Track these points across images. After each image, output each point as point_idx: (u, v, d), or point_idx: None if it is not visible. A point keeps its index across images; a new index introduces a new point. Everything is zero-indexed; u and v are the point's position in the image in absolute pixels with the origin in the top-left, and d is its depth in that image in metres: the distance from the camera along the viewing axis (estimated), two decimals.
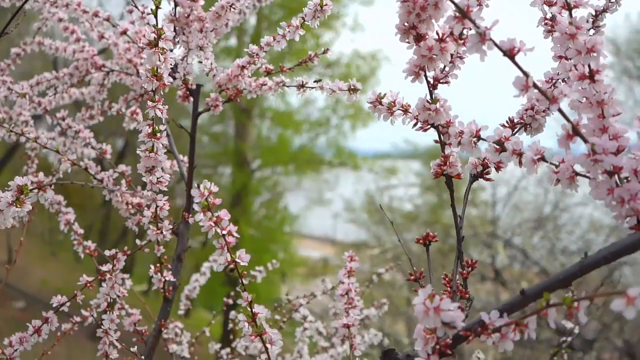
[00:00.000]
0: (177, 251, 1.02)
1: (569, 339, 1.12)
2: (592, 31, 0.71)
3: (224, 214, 0.62)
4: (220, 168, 11.93)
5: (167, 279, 0.97)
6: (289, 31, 0.88)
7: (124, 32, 1.06)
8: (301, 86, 0.95)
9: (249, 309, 0.64)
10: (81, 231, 1.09)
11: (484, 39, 0.50)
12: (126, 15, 1.14)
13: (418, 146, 10.94)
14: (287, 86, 0.96)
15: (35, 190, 0.66)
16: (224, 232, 0.62)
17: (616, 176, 0.52)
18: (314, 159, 11.98)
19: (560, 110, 0.51)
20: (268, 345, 0.64)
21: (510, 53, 0.50)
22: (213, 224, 0.61)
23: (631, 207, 0.50)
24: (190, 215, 0.96)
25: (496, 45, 0.50)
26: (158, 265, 0.95)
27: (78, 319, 1.12)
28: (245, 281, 0.64)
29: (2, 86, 1.12)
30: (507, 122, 0.69)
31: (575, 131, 0.51)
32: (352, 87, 0.84)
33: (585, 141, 0.51)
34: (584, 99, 0.54)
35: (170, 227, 0.90)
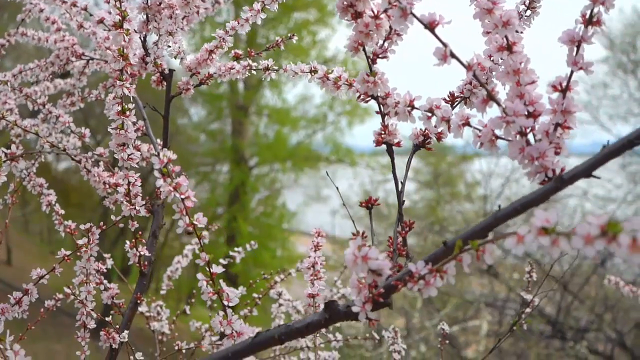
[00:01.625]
0: (152, 228, 1.07)
1: (528, 309, 1.18)
2: (528, 12, 0.77)
3: (183, 180, 0.67)
4: (218, 166, 11.98)
5: (142, 253, 1.02)
6: (251, 15, 0.94)
7: (101, 21, 1.10)
8: (266, 69, 1.00)
9: (207, 269, 0.70)
10: (62, 212, 1.14)
11: (405, 14, 0.55)
12: (104, 6, 1.19)
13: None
14: (255, 69, 1.02)
15: (8, 162, 0.71)
16: (183, 196, 0.67)
17: (531, 137, 0.58)
18: (311, 156, 12.03)
19: (475, 76, 0.56)
20: (225, 302, 0.69)
21: (430, 26, 0.56)
22: (172, 189, 0.67)
23: (540, 164, 0.55)
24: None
25: (417, 19, 0.55)
26: (134, 240, 1.01)
27: (60, 295, 1.17)
28: (202, 242, 0.69)
29: None
30: (447, 95, 0.74)
31: (490, 96, 0.56)
32: (313, 69, 0.89)
33: (499, 105, 0.56)
34: (502, 68, 0.59)
35: (143, 202, 0.95)
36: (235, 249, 1.49)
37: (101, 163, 1.09)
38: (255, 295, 1.35)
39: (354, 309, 0.60)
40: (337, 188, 0.89)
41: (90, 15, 1.12)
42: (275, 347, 1.34)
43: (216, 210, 11.32)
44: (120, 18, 0.75)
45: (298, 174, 12.19)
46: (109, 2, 1.10)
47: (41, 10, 1.26)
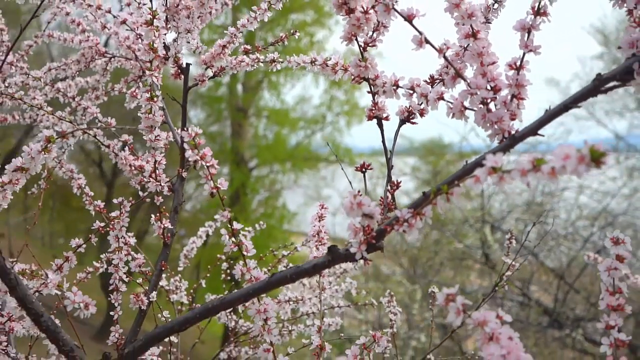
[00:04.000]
0: (174, 204, 1.21)
1: (508, 273, 1.31)
2: (496, 5, 0.90)
3: (208, 151, 0.81)
4: (218, 167, 12.11)
5: (165, 226, 1.16)
6: (259, 14, 1.08)
7: (124, 22, 1.24)
8: (273, 61, 1.14)
9: (228, 226, 0.83)
10: (91, 193, 1.28)
11: (388, 9, 0.69)
12: (124, 8, 1.33)
13: (413, 142, 11.12)
14: (262, 62, 1.15)
15: (60, 139, 0.85)
16: (208, 164, 0.81)
17: (492, 105, 0.72)
18: (310, 156, 12.16)
19: (445, 58, 0.70)
20: (245, 252, 0.83)
21: (409, 18, 0.69)
22: (199, 158, 0.80)
23: (498, 127, 0.69)
24: (185, 170, 1.15)
25: (398, 12, 0.69)
26: (158, 214, 1.14)
27: (90, 269, 1.31)
28: (223, 202, 0.83)
29: (20, 71, 1.30)
30: (428, 78, 0.88)
31: (457, 74, 0.70)
32: (313, 59, 1.03)
33: (465, 81, 0.70)
34: (468, 52, 0.73)
35: (167, 179, 1.08)
36: (246, 229, 1.62)
37: (126, 148, 1.23)
38: (264, 269, 1.48)
39: (352, 249, 0.73)
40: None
41: (114, 17, 1.26)
42: (284, 319, 1.48)
43: (217, 211, 11.45)
44: (151, 17, 0.89)
45: (298, 175, 12.32)
46: (129, 5, 1.25)
47: (67, 14, 1.39)
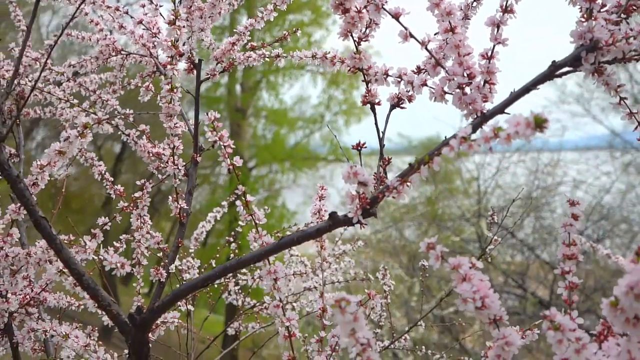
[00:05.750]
0: (188, 187, 1.33)
1: (491, 247, 1.44)
2: (475, 3, 1.03)
3: (225, 133, 0.94)
4: (218, 168, 12.24)
5: (182, 206, 1.28)
6: (265, 14, 1.20)
7: (140, 22, 1.37)
8: (277, 56, 1.27)
9: (243, 198, 0.96)
10: (111, 179, 1.41)
11: (378, 8, 0.81)
12: (138, 9, 1.46)
13: (412, 140, 11.25)
14: (267, 57, 1.28)
15: (96, 125, 0.97)
16: (225, 144, 0.93)
17: (468, 90, 0.84)
18: (309, 156, 12.28)
19: (427, 50, 0.82)
20: (257, 221, 0.96)
21: (396, 16, 0.82)
22: (218, 139, 0.93)
23: (472, 107, 0.82)
24: (198, 156, 1.27)
25: (387, 11, 0.82)
26: (175, 195, 1.27)
27: (112, 248, 1.43)
28: (239, 178, 0.95)
29: (44, 67, 1.42)
30: (416, 68, 1.00)
31: (437, 63, 0.83)
32: (314, 54, 1.15)
33: (444, 69, 0.83)
34: (447, 44, 0.85)
35: (184, 163, 1.21)
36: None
37: (144, 136, 1.36)
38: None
39: (349, 214, 0.85)
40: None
41: (132, 17, 1.39)
42: (287, 295, 1.61)
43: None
44: (174, 17, 1.01)
45: (297, 174, 12.43)
46: (144, 6, 1.37)
47: (86, 14, 1.52)
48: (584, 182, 8.19)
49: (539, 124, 0.59)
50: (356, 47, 0.92)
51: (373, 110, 0.96)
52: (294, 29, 1.30)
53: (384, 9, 0.82)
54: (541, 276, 7.29)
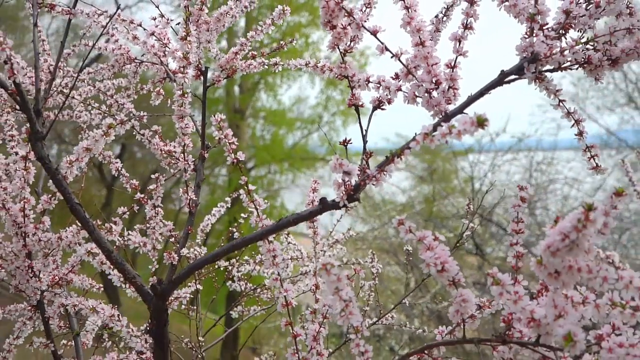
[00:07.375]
0: (196, 180, 1.49)
1: (467, 233, 1.60)
2: (445, 18, 1.19)
3: (229, 131, 1.10)
4: (217, 169, 12.40)
5: (191, 197, 1.44)
6: (265, 27, 1.37)
7: (152, 34, 1.53)
8: (275, 64, 1.43)
9: (246, 187, 1.12)
10: (127, 174, 1.57)
11: (359, 26, 0.98)
12: (149, 21, 1.62)
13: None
14: (267, 65, 1.44)
15: (119, 125, 1.13)
16: (230, 141, 1.10)
17: (435, 94, 1.00)
18: (307, 156, 12.44)
19: (400, 61, 0.98)
20: (258, 207, 1.12)
21: (374, 32, 0.98)
22: (223, 137, 1.09)
23: (438, 109, 0.98)
24: (206, 152, 1.43)
25: (366, 29, 0.98)
26: (185, 187, 1.43)
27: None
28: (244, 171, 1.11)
29: (65, 73, 1.59)
30: (394, 74, 1.17)
31: (408, 71, 0.99)
32: (307, 62, 1.32)
33: (414, 76, 0.99)
34: (417, 56, 1.02)
35: (193, 159, 1.37)
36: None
37: (157, 136, 1.52)
38: None
39: (336, 199, 1.02)
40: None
41: (144, 29, 1.55)
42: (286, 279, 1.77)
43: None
44: (185, 33, 1.18)
45: (295, 175, 12.58)
46: (155, 19, 1.53)
47: (103, 27, 1.68)
48: (577, 180, 8.36)
49: (481, 122, 0.75)
50: (342, 58, 1.08)
51: (357, 111, 1.12)
52: (289, 40, 1.46)
53: (364, 27, 0.98)
54: (534, 272, 7.44)
